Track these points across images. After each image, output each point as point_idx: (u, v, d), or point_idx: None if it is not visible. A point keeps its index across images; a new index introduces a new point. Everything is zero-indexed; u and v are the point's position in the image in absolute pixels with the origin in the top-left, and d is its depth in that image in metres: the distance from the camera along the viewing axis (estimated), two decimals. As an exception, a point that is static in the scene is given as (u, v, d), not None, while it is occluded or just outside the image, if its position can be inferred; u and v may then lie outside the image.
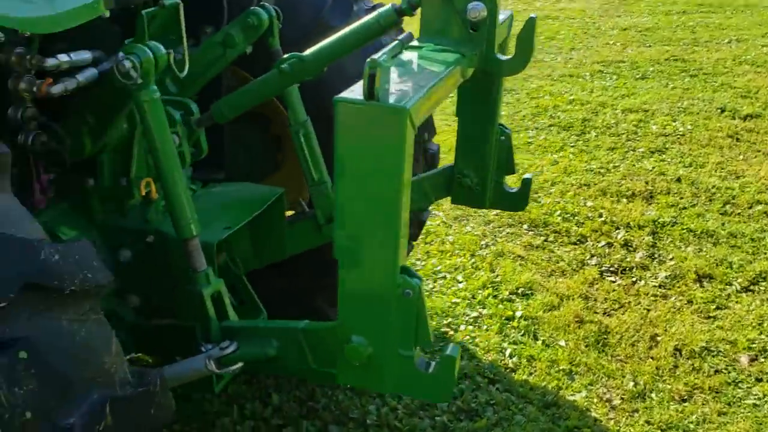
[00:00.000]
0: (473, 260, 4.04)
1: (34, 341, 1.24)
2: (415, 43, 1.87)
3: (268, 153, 3.03)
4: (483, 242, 4.21)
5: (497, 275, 3.88)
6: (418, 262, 3.98)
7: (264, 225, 2.40)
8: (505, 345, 3.36)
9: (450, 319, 3.54)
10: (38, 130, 1.89)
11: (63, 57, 1.80)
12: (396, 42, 1.59)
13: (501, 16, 1.92)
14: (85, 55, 1.87)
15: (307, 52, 2.02)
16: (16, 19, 1.47)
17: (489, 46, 1.86)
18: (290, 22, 2.69)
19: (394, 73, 1.60)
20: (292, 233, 2.51)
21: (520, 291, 3.74)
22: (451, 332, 3.46)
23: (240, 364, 1.92)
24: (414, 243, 3.45)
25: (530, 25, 1.87)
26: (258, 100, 2.17)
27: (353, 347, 1.66)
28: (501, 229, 4.33)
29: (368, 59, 1.41)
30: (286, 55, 2.03)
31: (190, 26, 2.49)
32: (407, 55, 1.77)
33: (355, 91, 1.47)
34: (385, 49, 1.52)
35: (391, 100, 1.47)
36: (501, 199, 2.41)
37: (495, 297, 3.71)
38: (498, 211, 3.95)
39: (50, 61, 1.77)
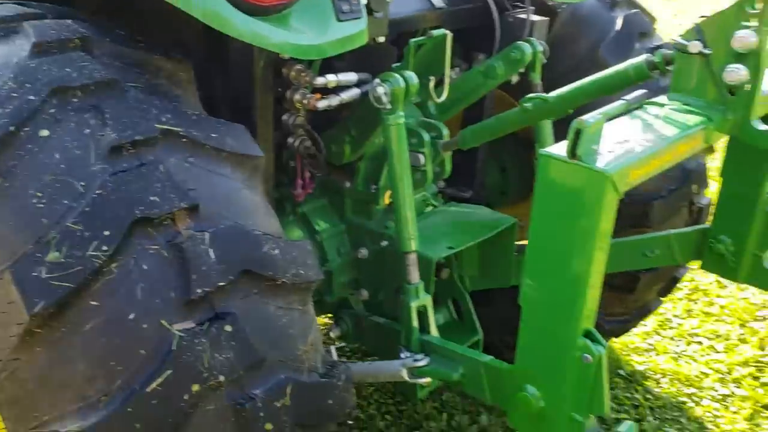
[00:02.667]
0: (741, 331, 3.58)
1: (241, 319, 1.46)
2: (660, 99, 1.76)
3: (524, 178, 3.06)
4: (761, 313, 3.70)
5: (767, 354, 3.40)
6: (674, 319, 3.66)
7: (492, 250, 2.45)
8: (751, 435, 2.97)
9: (693, 390, 3.21)
10: (304, 136, 2.19)
11: (331, 77, 2.06)
12: (621, 102, 1.52)
13: None
14: (351, 77, 2.11)
15: (553, 93, 2.01)
16: (290, 46, 1.74)
17: (746, 114, 1.67)
18: (565, 54, 2.69)
19: (614, 133, 1.54)
20: (521, 264, 2.51)
21: (790, 380, 3.25)
22: (691, 405, 3.14)
23: (428, 379, 2.03)
24: (672, 299, 3.18)
25: None
26: (499, 133, 2.23)
27: (525, 397, 1.65)
28: (789, 303, 3.77)
29: (576, 119, 1.39)
30: (531, 95, 2.05)
31: (464, 52, 2.64)
32: (642, 112, 1.68)
33: (563, 147, 1.46)
34: (605, 108, 1.47)
35: (598, 162, 1.43)
36: (757, 275, 2.15)
37: (756, 379, 3.26)
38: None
39: (319, 80, 2.04)
